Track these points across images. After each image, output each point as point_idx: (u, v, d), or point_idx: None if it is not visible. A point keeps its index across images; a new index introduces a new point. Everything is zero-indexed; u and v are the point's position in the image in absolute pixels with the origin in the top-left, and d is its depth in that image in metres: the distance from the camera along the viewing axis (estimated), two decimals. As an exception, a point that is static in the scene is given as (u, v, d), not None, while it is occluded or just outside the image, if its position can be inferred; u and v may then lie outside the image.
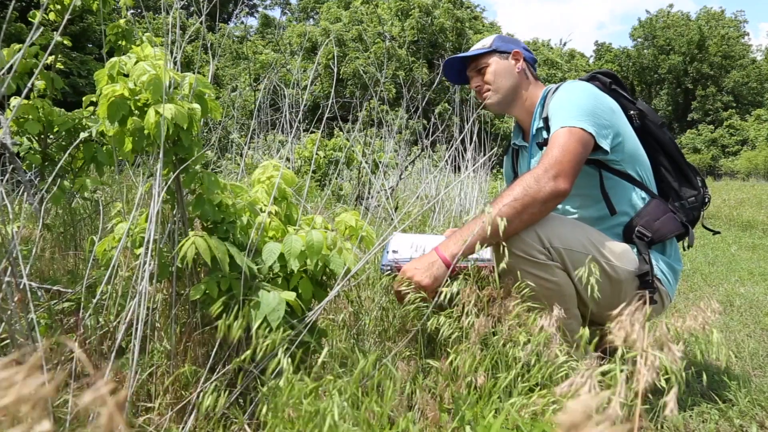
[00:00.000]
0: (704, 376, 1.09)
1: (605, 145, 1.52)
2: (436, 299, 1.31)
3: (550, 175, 1.41)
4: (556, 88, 1.68)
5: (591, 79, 1.75)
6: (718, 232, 1.95)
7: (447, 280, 1.36)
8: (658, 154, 1.74)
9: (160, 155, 1.20)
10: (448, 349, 1.20)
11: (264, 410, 0.97)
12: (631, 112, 1.70)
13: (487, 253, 1.61)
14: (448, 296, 1.23)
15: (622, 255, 1.53)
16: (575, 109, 1.53)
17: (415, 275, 1.38)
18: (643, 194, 1.64)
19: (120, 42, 2.16)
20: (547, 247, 1.43)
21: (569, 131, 1.49)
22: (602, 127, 1.52)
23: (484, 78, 1.77)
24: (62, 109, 2.05)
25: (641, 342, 0.60)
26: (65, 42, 2.14)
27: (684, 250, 1.73)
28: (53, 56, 2.09)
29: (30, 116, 1.90)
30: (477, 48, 1.80)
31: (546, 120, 1.65)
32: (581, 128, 1.49)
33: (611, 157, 1.58)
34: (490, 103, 1.76)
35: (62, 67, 2.20)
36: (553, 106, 1.61)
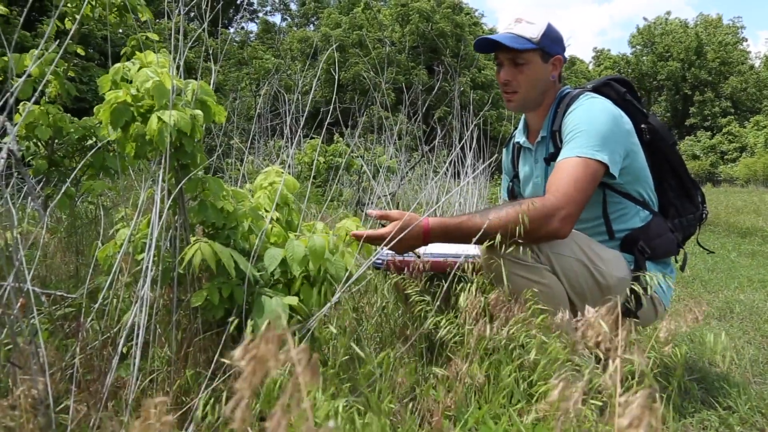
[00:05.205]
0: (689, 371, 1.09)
1: (615, 171, 1.50)
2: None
3: (560, 215, 1.38)
4: (572, 99, 1.62)
5: (604, 85, 1.69)
6: (713, 252, 1.95)
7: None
8: (664, 170, 1.71)
9: (163, 161, 1.21)
10: (450, 354, 1.21)
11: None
12: (642, 125, 1.66)
13: (470, 249, 1.61)
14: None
15: (610, 261, 1.52)
16: (593, 137, 1.48)
17: (395, 246, 1.42)
18: (644, 212, 1.63)
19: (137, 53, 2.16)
20: (536, 250, 1.44)
21: (585, 164, 1.45)
22: (616, 154, 1.50)
23: (520, 77, 1.62)
24: (69, 115, 2.05)
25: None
26: (78, 50, 2.12)
27: (675, 262, 1.72)
28: (68, 63, 2.08)
29: (41, 122, 1.90)
30: (523, 34, 1.60)
31: (556, 133, 1.61)
32: (598, 160, 1.45)
33: (617, 181, 1.56)
34: (512, 106, 1.68)
35: (73, 74, 2.19)
36: (569, 124, 1.55)
